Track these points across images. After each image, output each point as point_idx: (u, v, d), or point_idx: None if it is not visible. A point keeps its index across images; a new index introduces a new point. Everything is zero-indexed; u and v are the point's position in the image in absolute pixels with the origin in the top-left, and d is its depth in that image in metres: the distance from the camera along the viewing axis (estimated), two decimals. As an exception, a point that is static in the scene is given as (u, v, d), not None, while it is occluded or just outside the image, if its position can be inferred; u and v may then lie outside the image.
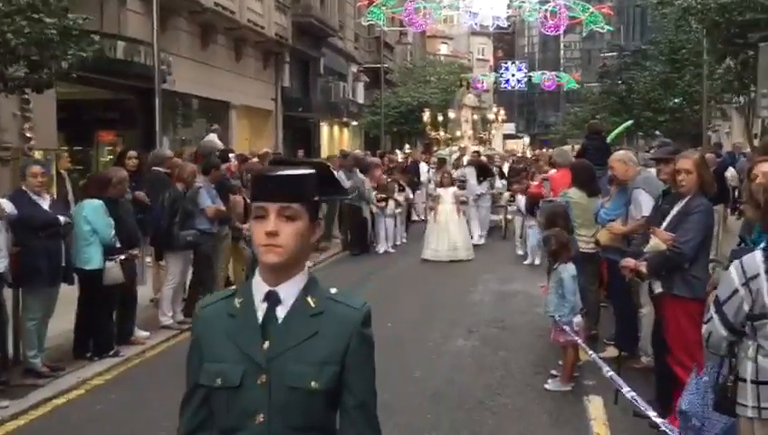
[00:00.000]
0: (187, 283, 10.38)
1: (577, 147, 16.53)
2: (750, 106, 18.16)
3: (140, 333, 9.29)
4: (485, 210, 18.27)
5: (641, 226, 7.15)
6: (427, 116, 22.87)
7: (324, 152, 28.98)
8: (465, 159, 19.45)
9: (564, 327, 7.07)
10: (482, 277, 13.35)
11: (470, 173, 18.17)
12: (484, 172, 18.28)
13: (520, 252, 15.23)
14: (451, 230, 15.03)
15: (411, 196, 18.82)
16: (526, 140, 48.97)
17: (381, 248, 16.31)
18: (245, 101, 23.38)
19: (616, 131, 14.01)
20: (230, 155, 12.59)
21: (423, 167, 19.57)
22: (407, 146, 24.37)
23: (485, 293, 12.14)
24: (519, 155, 24.54)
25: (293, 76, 28.58)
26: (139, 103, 17.93)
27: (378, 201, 16.30)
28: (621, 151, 9.69)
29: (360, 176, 16.23)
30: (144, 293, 10.20)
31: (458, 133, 21.30)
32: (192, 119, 20.60)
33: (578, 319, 7.24)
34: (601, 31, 28.25)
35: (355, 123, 36.11)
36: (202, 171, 10.43)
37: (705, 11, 15.79)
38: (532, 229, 13.62)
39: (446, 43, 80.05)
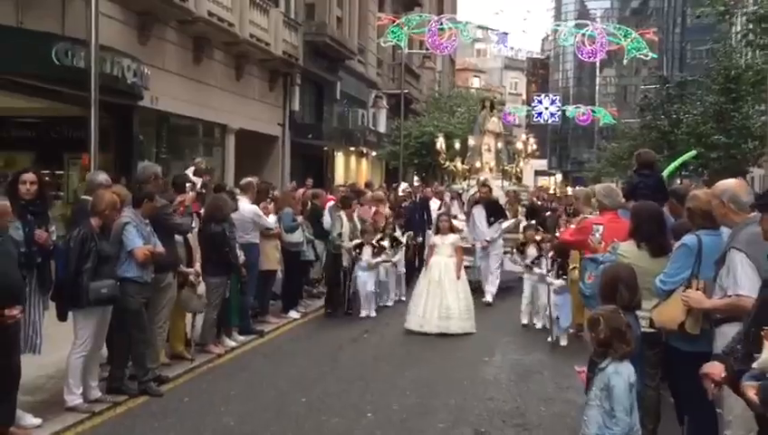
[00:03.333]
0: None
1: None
2: None
3: (29, 421, 6.81)
4: (497, 259, 14.58)
5: (734, 306, 4.70)
6: (440, 143, 19.03)
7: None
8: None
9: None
10: (495, 348, 10.57)
11: (478, 213, 14.74)
12: (495, 212, 14.79)
13: (537, 324, 11.65)
14: (445, 292, 11.44)
15: (413, 240, 15.22)
16: (558, 177, 46.25)
17: (363, 311, 12.72)
18: (246, 125, 21.02)
19: (675, 163, 11.17)
20: (188, 184, 10.16)
21: (434, 204, 16.79)
22: (415, 178, 21.12)
23: (499, 369, 9.46)
24: (549, 192, 21.11)
25: (305, 100, 26.25)
26: (115, 123, 15.67)
27: (354, 248, 12.76)
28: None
29: (340, 213, 13.09)
30: (46, 362, 7.75)
31: (478, 164, 17.96)
32: (181, 142, 18.23)
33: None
34: (645, 58, 25.63)
35: (374, 154, 33.69)
36: (133, 203, 8.01)
37: None
38: (561, 296, 10.43)
39: (477, 76, 78.14)
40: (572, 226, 9.04)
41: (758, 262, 4.65)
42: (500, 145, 18.21)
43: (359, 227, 13.13)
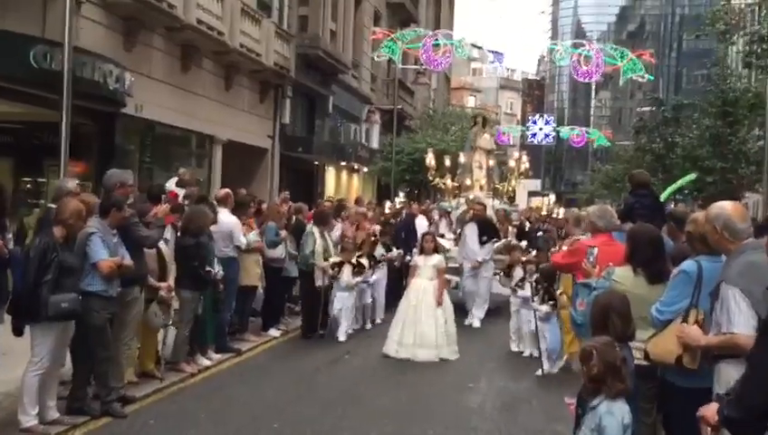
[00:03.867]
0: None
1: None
2: None
3: (-23, 442, 6.36)
4: (487, 282, 13.96)
5: (730, 344, 4.34)
6: (429, 158, 18.05)
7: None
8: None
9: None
10: (480, 374, 10.09)
11: (470, 232, 14.01)
12: (488, 231, 14.08)
13: (525, 352, 11.01)
14: (420, 318, 10.66)
15: (394, 258, 14.24)
16: (552, 198, 45.80)
17: (340, 334, 11.86)
18: (235, 137, 20.59)
19: (674, 187, 10.74)
20: (164, 195, 9.75)
21: (421, 222, 16.19)
22: (400, 195, 20.44)
23: (484, 397, 9.00)
24: (541, 213, 20.08)
25: (296, 113, 25.84)
26: (97, 130, 15.25)
27: (332, 267, 11.91)
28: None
29: (312, 229, 12.31)
30: (7, 377, 7.29)
31: (468, 182, 17.15)
32: (166, 152, 17.79)
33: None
34: (641, 80, 25.33)
35: (366, 169, 33.27)
36: (99, 212, 7.56)
37: None
38: (549, 323, 9.64)
39: (473, 95, 78.04)
40: (564, 247, 8.58)
41: (754, 295, 4.25)
42: (491, 162, 17.54)
43: (330, 244, 12.36)
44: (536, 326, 9.91)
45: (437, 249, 11.39)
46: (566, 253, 7.47)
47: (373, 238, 13.47)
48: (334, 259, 12.05)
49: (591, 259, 6.36)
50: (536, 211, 27.02)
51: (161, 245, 8.95)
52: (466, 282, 13.98)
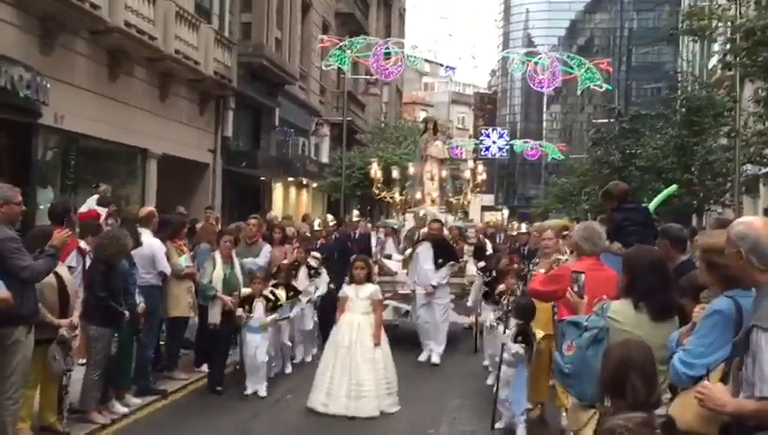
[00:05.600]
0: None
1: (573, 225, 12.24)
2: None
3: None
4: (443, 311, 12.22)
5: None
6: (374, 170, 16.19)
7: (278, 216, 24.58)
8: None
9: None
10: (441, 417, 8.74)
11: (424, 253, 12.32)
12: (444, 253, 12.40)
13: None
14: (357, 363, 8.70)
15: (321, 287, 11.85)
16: (505, 212, 45.10)
17: (249, 387, 9.66)
18: (172, 151, 19.10)
19: (658, 199, 9.67)
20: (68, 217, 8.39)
21: (374, 239, 14.77)
22: (355, 212, 18.93)
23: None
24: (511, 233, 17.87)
25: (240, 126, 24.41)
26: (12, 143, 13.71)
27: (241, 303, 9.76)
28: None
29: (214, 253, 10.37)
30: None
31: (418, 195, 15.32)
32: (92, 168, 16.22)
33: None
34: (599, 89, 24.56)
35: (315, 185, 31.97)
36: (-26, 237, 6.16)
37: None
38: (517, 368, 7.62)
39: (425, 110, 77.28)
40: (542, 270, 7.28)
41: None
42: (444, 173, 15.72)
43: (238, 272, 10.19)
44: (498, 372, 7.85)
45: (371, 278, 9.41)
46: (546, 278, 6.20)
47: (295, 263, 11.51)
48: (245, 291, 9.96)
49: (577, 288, 5.15)
50: (495, 226, 25.90)
51: (64, 273, 7.58)
52: (420, 311, 12.25)
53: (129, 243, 8.56)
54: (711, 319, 3.77)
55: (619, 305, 4.64)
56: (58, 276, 7.28)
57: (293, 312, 10.92)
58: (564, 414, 7.09)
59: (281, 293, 10.34)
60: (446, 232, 13.45)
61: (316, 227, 14.43)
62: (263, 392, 9.57)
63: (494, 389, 7.99)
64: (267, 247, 11.65)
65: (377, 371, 8.74)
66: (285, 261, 11.41)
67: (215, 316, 9.85)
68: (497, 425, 7.96)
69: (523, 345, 7.40)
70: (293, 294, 10.79)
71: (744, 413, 3.37)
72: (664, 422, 3.55)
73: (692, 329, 4.08)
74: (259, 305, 9.80)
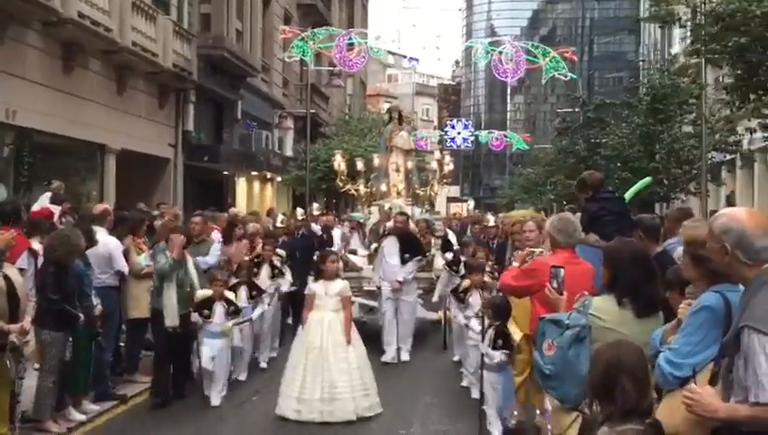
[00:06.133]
0: None
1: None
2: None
3: None
4: (411, 307, 11.83)
5: (761, 420, 3.05)
6: (338, 162, 15.54)
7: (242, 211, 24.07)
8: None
9: None
10: (412, 416, 8.42)
11: (389, 248, 11.83)
12: (411, 247, 11.89)
13: (474, 393, 8.57)
14: (329, 363, 8.13)
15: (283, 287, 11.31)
16: (471, 203, 44.93)
17: (213, 397, 8.90)
18: (130, 145, 18.58)
19: (633, 190, 9.46)
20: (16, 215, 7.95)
21: (338, 233, 14.32)
22: (315, 205, 18.47)
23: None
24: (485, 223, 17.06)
25: (201, 119, 23.89)
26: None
27: (197, 307, 8.98)
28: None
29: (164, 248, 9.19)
30: None
31: (384, 187, 14.74)
32: (47, 164, 15.66)
33: None
34: (564, 78, 24.43)
35: (280, 179, 31.54)
36: None
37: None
38: (501, 374, 7.27)
39: (389, 101, 76.91)
40: (515, 263, 6.96)
41: None
42: (410, 164, 15.17)
43: (192, 273, 9.30)
44: (481, 376, 7.43)
45: (338, 273, 9.02)
46: (520, 273, 5.90)
47: (257, 259, 10.94)
48: (201, 293, 9.13)
49: (556, 284, 4.89)
50: (458, 219, 25.61)
51: (14, 276, 7.15)
52: (386, 307, 11.67)
53: (82, 242, 8.14)
54: (698, 316, 3.54)
55: (602, 302, 4.41)
56: (7, 279, 6.85)
57: (255, 314, 10.26)
58: (538, 413, 6.84)
59: (242, 292, 9.83)
60: (412, 225, 13.10)
61: (279, 224, 13.97)
62: (216, 401, 8.84)
63: (480, 402, 7.55)
64: (217, 245, 10.88)
65: (351, 371, 8.20)
66: (246, 258, 11.00)
67: (173, 318, 8.87)
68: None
69: (505, 351, 6.96)
70: (257, 293, 10.23)
71: (737, 419, 3.13)
72: (649, 425, 3.31)
73: (677, 326, 3.85)
74: (219, 309, 9.04)
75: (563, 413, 4.44)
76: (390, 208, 13.24)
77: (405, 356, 11.43)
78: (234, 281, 10.02)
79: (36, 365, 7.82)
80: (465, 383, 9.31)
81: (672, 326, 3.97)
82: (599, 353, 3.34)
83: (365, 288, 12.54)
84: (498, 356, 6.91)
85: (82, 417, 8.19)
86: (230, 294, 9.43)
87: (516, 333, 6.44)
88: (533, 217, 9.67)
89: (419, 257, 12.02)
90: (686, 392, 3.26)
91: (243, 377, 10.07)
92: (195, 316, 8.97)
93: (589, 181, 7.28)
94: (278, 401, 8.26)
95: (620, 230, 5.97)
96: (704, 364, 3.43)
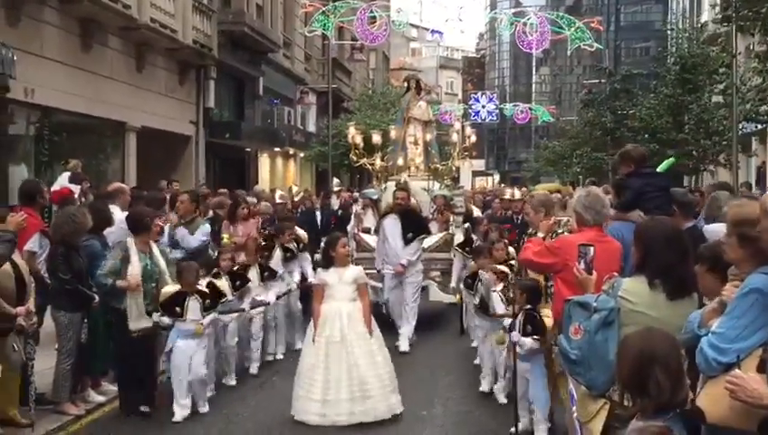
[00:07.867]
0: None
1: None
2: None
3: None
4: (414, 289, 10.66)
5: None
6: (351, 134, 14.22)
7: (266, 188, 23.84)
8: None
9: None
10: (433, 403, 8.05)
11: (390, 228, 10.76)
12: (414, 226, 10.80)
13: (499, 398, 7.84)
14: (355, 357, 7.19)
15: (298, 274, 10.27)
16: (496, 177, 44.60)
17: (177, 412, 7.43)
18: (151, 123, 18.49)
19: (662, 168, 9.09)
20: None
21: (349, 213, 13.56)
22: (335, 181, 18.03)
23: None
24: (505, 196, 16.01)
25: (222, 96, 23.76)
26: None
27: (166, 304, 7.55)
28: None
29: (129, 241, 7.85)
30: None
31: (400, 161, 13.63)
32: (67, 143, 15.58)
33: None
34: (590, 49, 23.96)
35: (302, 155, 31.38)
36: None
37: None
38: (533, 362, 6.54)
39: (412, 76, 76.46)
40: (540, 234, 6.50)
41: None
42: (429, 137, 13.96)
43: (162, 263, 7.94)
44: (514, 366, 6.66)
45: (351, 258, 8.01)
46: (543, 249, 5.57)
47: (263, 243, 9.88)
48: (169, 288, 7.70)
49: (584, 264, 4.63)
50: (482, 192, 25.20)
51: (19, 260, 6.98)
52: (390, 293, 10.68)
53: (87, 220, 7.86)
54: (748, 298, 3.27)
55: (632, 283, 4.15)
56: (13, 263, 6.73)
57: (270, 297, 9.30)
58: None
59: (224, 283, 8.45)
60: (427, 201, 12.41)
61: (278, 200, 13.31)
62: (184, 412, 7.49)
63: (513, 389, 6.94)
64: (206, 227, 9.84)
65: (377, 365, 7.28)
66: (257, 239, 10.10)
67: (138, 320, 7.58)
68: (511, 430, 6.73)
69: (536, 337, 6.32)
70: (269, 274, 9.37)
71: None
72: (688, 411, 3.08)
73: (719, 309, 3.60)
74: (194, 304, 7.61)
75: (590, 400, 4.21)
76: (405, 183, 12.23)
77: (404, 346, 10.15)
78: (240, 261, 9.25)
79: (56, 346, 7.73)
80: (485, 388, 8.37)
81: (712, 308, 3.72)
82: (628, 342, 3.11)
83: (367, 271, 11.77)
84: (528, 343, 6.32)
85: (102, 398, 8.09)
86: (223, 284, 8.40)
87: (549, 317, 5.98)
88: (545, 189, 9.11)
89: (423, 236, 11.03)
90: (730, 378, 3.04)
91: (233, 382, 8.76)
92: (155, 315, 7.65)
93: (634, 154, 6.81)
94: (294, 406, 7.28)
95: (662, 207, 5.67)
96: (751, 350, 3.18)
